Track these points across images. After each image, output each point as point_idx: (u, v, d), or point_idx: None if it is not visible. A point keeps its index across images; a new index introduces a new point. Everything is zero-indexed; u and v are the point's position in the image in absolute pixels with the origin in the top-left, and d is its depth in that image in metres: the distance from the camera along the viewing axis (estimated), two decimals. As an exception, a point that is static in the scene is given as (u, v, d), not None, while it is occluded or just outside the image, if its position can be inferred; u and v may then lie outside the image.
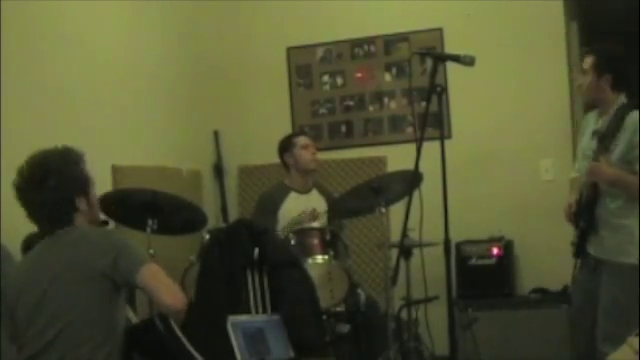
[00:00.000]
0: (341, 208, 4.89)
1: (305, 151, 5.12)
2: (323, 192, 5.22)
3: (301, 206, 5.07)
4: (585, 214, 3.96)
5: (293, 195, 5.12)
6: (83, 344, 2.84)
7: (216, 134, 6.22)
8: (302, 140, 5.17)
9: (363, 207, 4.71)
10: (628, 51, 4.04)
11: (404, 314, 4.53)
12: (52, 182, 2.92)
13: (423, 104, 3.83)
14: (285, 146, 5.19)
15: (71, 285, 2.87)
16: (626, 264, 3.84)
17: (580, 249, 4.00)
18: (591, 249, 3.96)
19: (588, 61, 3.98)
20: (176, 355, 2.90)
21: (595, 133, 4.04)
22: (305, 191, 5.16)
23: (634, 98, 3.97)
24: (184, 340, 2.91)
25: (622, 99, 3.95)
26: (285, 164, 5.21)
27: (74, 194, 2.98)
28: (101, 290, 2.88)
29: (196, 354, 2.92)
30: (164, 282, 2.91)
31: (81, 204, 3.00)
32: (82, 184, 3.01)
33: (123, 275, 2.88)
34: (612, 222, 3.89)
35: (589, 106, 4.04)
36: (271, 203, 5.10)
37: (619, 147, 3.84)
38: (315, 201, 5.13)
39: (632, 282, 3.82)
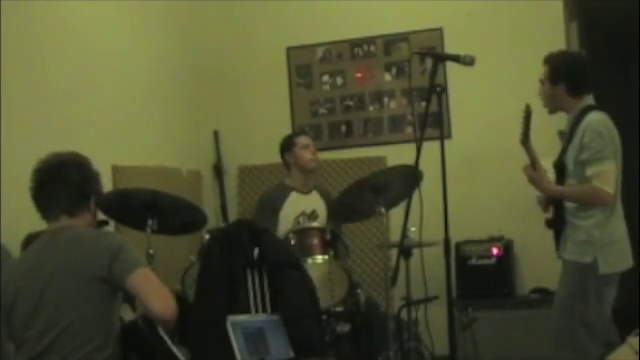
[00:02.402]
0: (341, 212, 4.85)
1: (305, 151, 5.12)
2: (323, 194, 5.22)
3: (301, 207, 5.07)
4: (555, 215, 4.01)
5: (294, 195, 5.13)
6: (84, 346, 2.84)
7: (216, 134, 6.22)
8: (302, 140, 5.17)
9: (362, 209, 4.67)
10: (583, 57, 4.09)
11: (404, 314, 4.53)
12: (80, 172, 3.02)
13: (423, 104, 3.83)
14: (286, 145, 5.19)
15: (69, 287, 2.86)
16: (580, 263, 3.85)
17: (557, 248, 4.04)
18: (560, 249, 4.00)
19: (543, 70, 4.03)
20: (160, 356, 2.89)
21: (560, 134, 4.07)
22: (306, 191, 5.17)
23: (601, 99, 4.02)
24: (167, 341, 2.90)
25: (587, 102, 3.97)
26: (286, 163, 5.21)
27: (92, 192, 3.06)
28: (99, 292, 2.88)
29: (179, 354, 2.91)
30: (155, 288, 2.88)
31: (92, 204, 3.07)
32: (98, 187, 3.11)
33: (116, 279, 2.87)
34: (572, 222, 3.93)
35: (552, 112, 4.11)
36: (272, 203, 5.10)
37: (573, 148, 3.88)
38: (315, 202, 5.13)
39: (578, 282, 3.85)
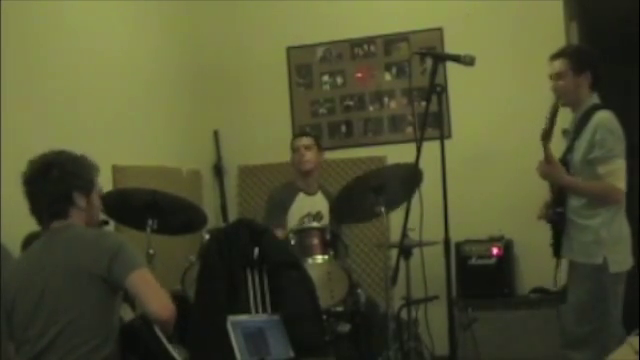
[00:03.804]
0: (341, 211, 4.84)
1: (296, 153, 5.17)
2: (327, 195, 5.23)
3: (307, 207, 5.09)
4: (555, 214, 3.98)
5: (301, 196, 5.17)
6: (82, 346, 2.84)
7: (216, 134, 6.22)
8: (294, 143, 5.23)
9: (363, 210, 4.66)
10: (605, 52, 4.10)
11: (404, 314, 4.53)
12: (55, 174, 2.97)
13: (423, 104, 3.83)
14: (290, 147, 5.24)
15: (69, 287, 2.86)
16: (591, 265, 3.85)
17: (555, 249, 4.03)
18: (563, 250, 3.98)
19: (559, 64, 3.99)
20: (157, 356, 2.89)
21: (565, 132, 4.06)
22: (312, 192, 5.20)
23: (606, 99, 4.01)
24: (164, 341, 2.90)
25: (593, 99, 3.97)
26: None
27: (73, 189, 2.99)
28: (99, 292, 2.88)
29: (176, 355, 2.91)
30: (153, 290, 2.88)
31: (79, 201, 3.01)
32: (83, 182, 3.03)
33: (115, 279, 2.87)
34: (578, 222, 3.92)
35: (566, 105, 4.10)
36: (282, 200, 5.13)
37: (581, 146, 3.87)
38: (320, 203, 5.15)
39: (596, 284, 3.83)
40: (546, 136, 3.85)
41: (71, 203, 2.99)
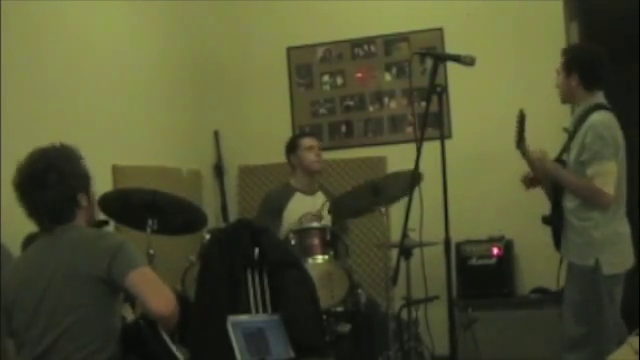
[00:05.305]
0: (342, 207, 4.88)
1: (309, 152, 5.13)
2: (328, 195, 5.22)
3: (306, 207, 5.06)
4: (554, 213, 4.00)
5: (298, 196, 5.14)
6: (83, 348, 2.82)
7: (216, 134, 6.22)
8: (307, 142, 5.17)
9: (363, 207, 4.71)
10: (601, 52, 4.05)
11: (404, 314, 4.53)
12: (53, 178, 2.87)
13: (423, 104, 3.83)
14: (291, 147, 5.21)
15: (69, 289, 2.84)
16: (585, 266, 3.85)
17: (556, 243, 4.04)
18: (562, 251, 4.00)
19: (559, 63, 4.04)
20: (160, 356, 2.88)
21: (564, 130, 4.07)
22: (310, 192, 5.17)
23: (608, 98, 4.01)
24: (168, 341, 2.89)
25: (597, 99, 3.96)
26: (291, 164, 5.22)
27: (76, 190, 2.95)
28: (99, 293, 2.86)
29: (179, 355, 2.90)
30: (154, 287, 2.84)
31: (82, 200, 2.97)
32: (83, 180, 2.99)
33: (115, 278, 2.84)
34: (573, 224, 3.91)
35: (565, 102, 4.16)
36: (277, 203, 5.10)
37: (575, 147, 3.88)
38: (320, 203, 5.12)
39: (589, 286, 3.83)
40: (519, 143, 3.97)
41: (76, 205, 2.95)
